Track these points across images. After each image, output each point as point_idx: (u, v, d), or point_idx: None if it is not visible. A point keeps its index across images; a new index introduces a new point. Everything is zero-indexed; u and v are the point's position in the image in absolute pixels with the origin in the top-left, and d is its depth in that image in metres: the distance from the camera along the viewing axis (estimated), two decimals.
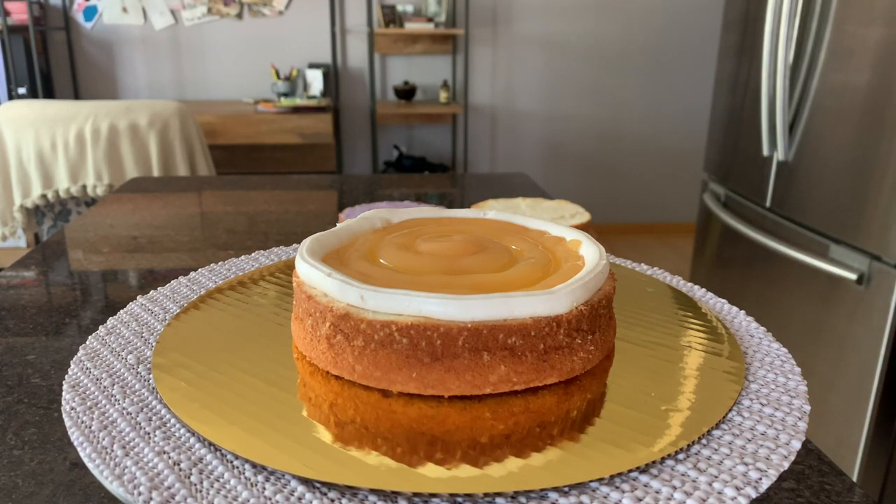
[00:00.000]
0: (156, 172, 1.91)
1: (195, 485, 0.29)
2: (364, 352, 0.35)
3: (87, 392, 0.36)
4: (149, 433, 0.33)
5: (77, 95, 3.29)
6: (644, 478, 0.30)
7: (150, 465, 0.30)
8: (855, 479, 1.30)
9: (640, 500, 0.28)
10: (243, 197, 1.13)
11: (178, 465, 0.30)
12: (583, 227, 0.84)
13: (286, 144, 2.96)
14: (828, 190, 1.37)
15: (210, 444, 0.32)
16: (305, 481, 0.29)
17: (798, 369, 0.39)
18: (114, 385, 0.37)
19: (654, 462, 0.30)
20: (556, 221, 0.67)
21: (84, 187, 1.87)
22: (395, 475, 0.29)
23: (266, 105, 2.97)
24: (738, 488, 0.29)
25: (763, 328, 0.45)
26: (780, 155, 1.49)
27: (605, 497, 0.29)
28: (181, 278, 0.52)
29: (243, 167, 3.00)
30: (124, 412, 0.34)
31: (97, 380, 0.37)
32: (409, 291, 0.35)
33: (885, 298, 1.23)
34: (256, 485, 0.29)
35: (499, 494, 0.29)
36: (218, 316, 0.45)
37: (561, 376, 0.37)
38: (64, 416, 0.34)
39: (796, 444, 0.32)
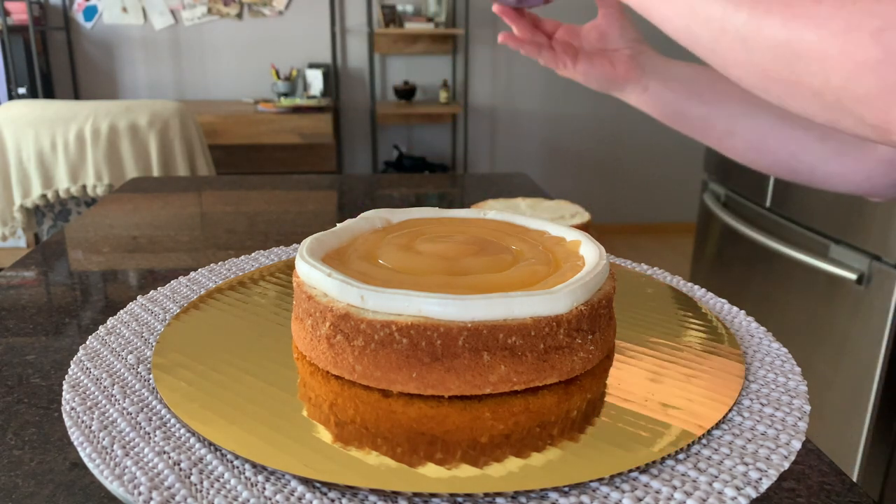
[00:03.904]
0: (156, 172, 1.91)
1: (195, 485, 0.29)
2: (364, 352, 0.35)
3: (87, 392, 0.36)
4: (149, 433, 0.33)
5: (77, 95, 3.29)
6: (644, 478, 0.30)
7: (150, 465, 0.30)
8: (855, 479, 1.30)
9: (640, 500, 0.28)
10: (243, 197, 1.13)
11: (178, 465, 0.30)
12: (583, 227, 0.84)
13: (286, 144, 2.95)
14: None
15: (210, 444, 0.32)
16: (305, 481, 0.29)
17: (798, 369, 0.39)
18: (114, 385, 0.37)
19: (654, 462, 0.30)
20: (556, 221, 0.67)
21: (84, 187, 1.87)
22: (395, 475, 0.29)
23: (266, 105, 2.97)
24: (738, 488, 0.29)
25: (763, 328, 0.45)
26: None
27: (605, 497, 0.29)
28: (181, 278, 0.52)
29: (243, 167, 3.00)
30: (124, 412, 0.34)
31: (97, 380, 0.37)
32: (409, 291, 0.35)
33: (885, 298, 1.23)
34: (256, 485, 0.29)
35: (499, 494, 0.29)
36: (218, 316, 0.45)
37: (561, 376, 0.37)
38: (64, 416, 0.34)
39: (796, 444, 0.32)
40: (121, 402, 0.35)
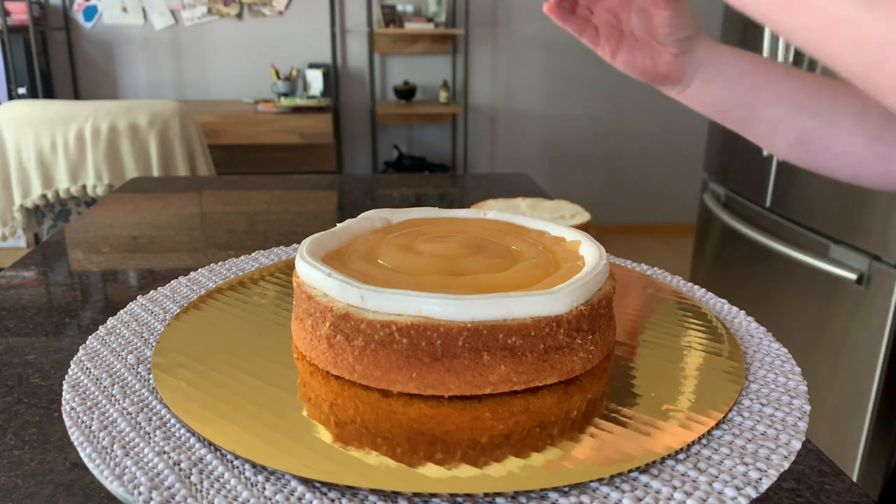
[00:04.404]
0: (156, 172, 1.91)
1: (195, 485, 0.29)
2: (364, 352, 0.35)
3: (87, 392, 0.36)
4: (149, 433, 0.33)
5: (77, 95, 3.29)
6: (644, 478, 0.30)
7: (150, 465, 0.30)
8: (855, 479, 1.30)
9: (640, 500, 0.28)
10: (243, 197, 1.13)
11: (178, 465, 0.30)
12: (583, 227, 0.84)
13: (286, 144, 2.95)
14: (828, 190, 1.37)
15: (210, 444, 0.32)
16: (305, 481, 0.29)
17: (798, 369, 0.39)
18: (114, 385, 0.37)
19: (654, 462, 0.30)
20: (556, 221, 0.67)
21: (84, 187, 1.86)
22: (395, 475, 0.29)
23: (266, 105, 2.97)
24: (738, 488, 0.29)
25: (763, 328, 0.45)
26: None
27: (605, 497, 0.29)
28: (181, 278, 0.52)
29: (243, 167, 3.00)
30: (124, 412, 0.34)
31: (97, 380, 0.37)
32: (409, 291, 0.35)
33: (885, 298, 1.23)
34: (256, 485, 0.29)
35: (499, 494, 0.29)
36: (218, 316, 0.45)
37: (561, 376, 0.37)
38: (64, 416, 0.34)
39: (796, 444, 0.32)
40: (121, 402, 0.35)
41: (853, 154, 0.57)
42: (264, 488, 0.29)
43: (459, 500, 0.28)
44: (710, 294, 0.50)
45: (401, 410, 0.34)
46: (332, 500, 0.28)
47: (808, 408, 0.35)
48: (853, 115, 0.56)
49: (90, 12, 3.22)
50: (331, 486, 0.29)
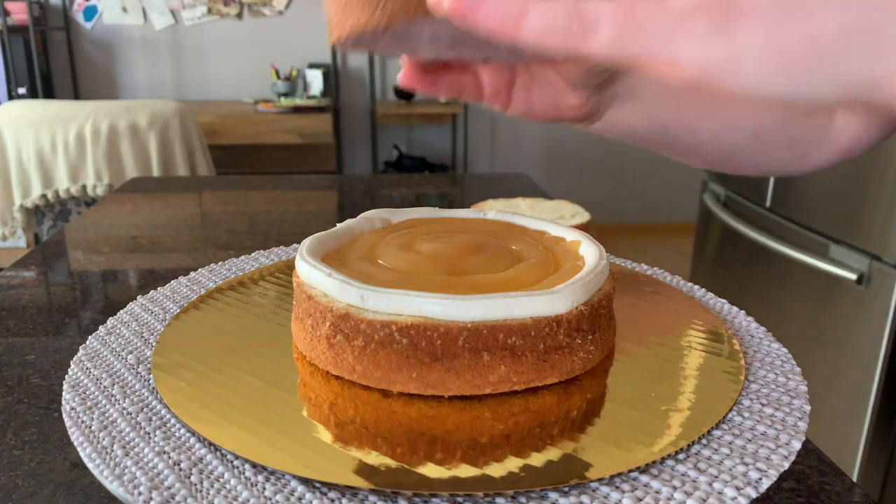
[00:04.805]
0: (156, 172, 1.91)
1: (195, 485, 0.29)
2: (364, 352, 0.35)
3: (87, 392, 0.36)
4: (149, 433, 0.33)
5: (77, 95, 3.28)
6: (644, 478, 0.30)
7: (150, 465, 0.30)
8: (855, 479, 1.30)
9: (640, 500, 0.28)
10: (243, 197, 1.13)
11: (178, 465, 0.30)
12: (583, 227, 0.84)
13: (286, 144, 2.95)
14: (828, 190, 1.37)
15: (210, 444, 0.32)
16: (305, 481, 0.29)
17: (798, 369, 0.39)
18: (114, 385, 0.37)
19: (654, 462, 0.30)
20: (556, 221, 0.67)
21: (84, 187, 1.86)
22: (395, 475, 0.29)
23: (266, 105, 2.97)
24: (738, 488, 0.29)
25: (763, 328, 0.45)
26: None
27: (605, 497, 0.29)
28: (181, 278, 0.52)
29: (243, 167, 3.00)
30: (124, 412, 0.34)
31: (97, 380, 0.37)
32: (409, 291, 0.35)
33: (885, 298, 1.23)
34: (256, 485, 0.29)
35: (499, 494, 0.29)
36: (218, 316, 0.45)
37: (561, 376, 0.37)
38: (64, 416, 0.34)
39: (796, 444, 0.32)
40: (121, 402, 0.35)
41: (772, 159, 0.55)
42: (264, 488, 0.29)
43: (459, 500, 0.28)
44: (710, 294, 0.50)
45: (401, 410, 0.34)
46: (332, 500, 0.28)
47: (808, 408, 0.35)
48: (774, 122, 0.54)
49: (90, 12, 3.22)
50: (331, 486, 0.29)
